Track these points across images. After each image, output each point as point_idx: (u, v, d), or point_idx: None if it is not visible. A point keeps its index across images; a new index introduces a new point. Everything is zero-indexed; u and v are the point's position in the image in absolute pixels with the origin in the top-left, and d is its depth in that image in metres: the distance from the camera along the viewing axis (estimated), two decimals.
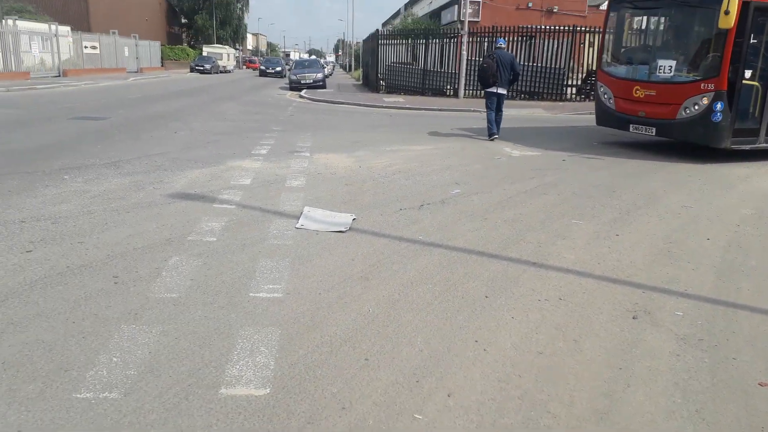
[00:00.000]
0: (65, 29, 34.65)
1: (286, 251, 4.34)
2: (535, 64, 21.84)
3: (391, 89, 24.96)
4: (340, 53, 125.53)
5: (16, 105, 14.82)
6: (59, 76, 29.87)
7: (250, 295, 3.53)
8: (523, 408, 2.50)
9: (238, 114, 14.96)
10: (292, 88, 28.53)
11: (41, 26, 32.30)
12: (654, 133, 9.27)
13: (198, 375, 2.62)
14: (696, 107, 8.56)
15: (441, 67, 24.27)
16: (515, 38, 22.50)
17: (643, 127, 9.34)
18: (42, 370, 2.60)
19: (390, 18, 66.36)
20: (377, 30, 27.11)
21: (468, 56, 22.58)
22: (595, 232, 5.19)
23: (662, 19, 9.76)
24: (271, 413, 2.37)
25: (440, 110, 18.15)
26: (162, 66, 51.04)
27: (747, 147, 8.82)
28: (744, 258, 4.61)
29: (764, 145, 8.94)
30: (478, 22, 35.53)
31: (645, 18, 10.09)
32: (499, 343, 3.07)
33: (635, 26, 10.27)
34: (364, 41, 36.26)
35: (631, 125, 9.58)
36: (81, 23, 42.86)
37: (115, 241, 4.38)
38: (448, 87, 23.39)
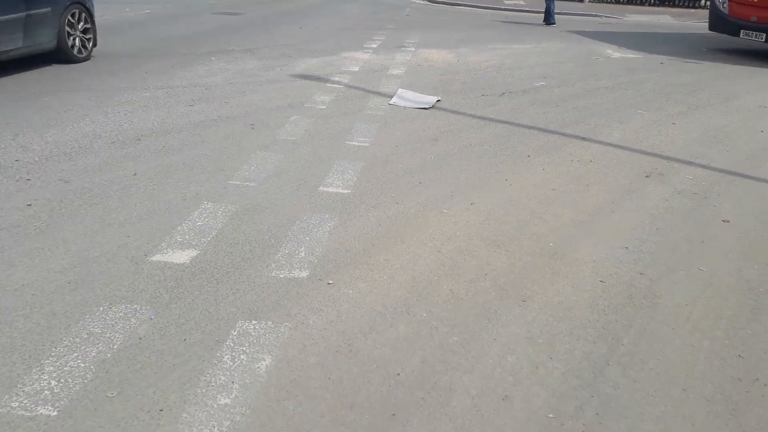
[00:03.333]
0: None
1: (377, 119, 5.46)
2: None
3: None
4: None
5: (168, 1, 16.75)
6: None
7: (346, 142, 4.72)
8: (522, 214, 3.52)
9: (358, 13, 15.88)
10: None
11: None
12: (764, 39, 9.06)
13: (305, 180, 3.88)
14: None
15: None
16: None
17: (754, 32, 9.14)
18: (206, 170, 3.98)
19: None
20: None
21: None
22: (654, 120, 5.79)
23: None
24: (350, 202, 3.58)
25: (559, 13, 17.83)
26: None
27: None
28: (763, 141, 5.09)
29: None
30: None
31: None
32: (523, 181, 4.05)
33: None
34: None
35: (741, 31, 9.38)
36: None
37: (250, 103, 5.74)
38: None
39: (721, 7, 9.86)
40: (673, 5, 19.71)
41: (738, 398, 2.09)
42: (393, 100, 6.12)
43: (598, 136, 5.15)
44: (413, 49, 9.53)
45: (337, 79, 7.03)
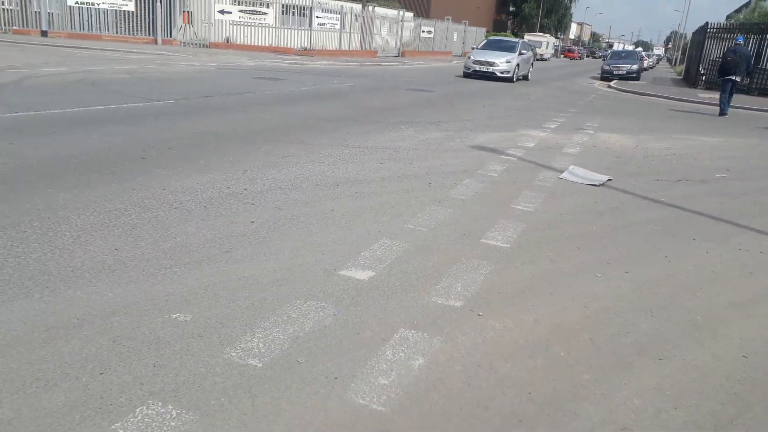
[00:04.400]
0: (409, 15, 40.38)
1: (545, 189, 5.82)
2: None
3: (712, 85, 23.30)
4: (669, 46, 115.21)
5: (368, 76, 18.84)
6: (398, 55, 35.17)
7: (511, 206, 5.14)
8: (676, 289, 3.62)
9: (541, 96, 16.45)
10: (602, 78, 28.66)
11: (391, 12, 38.33)
12: None
13: (469, 232, 4.36)
14: None
15: None
16: None
17: None
18: (388, 214, 4.65)
19: (738, 9, 58.93)
20: (706, 23, 25.33)
21: None
22: None
23: None
24: (507, 255, 3.97)
25: (760, 110, 16.75)
26: None
27: None
28: None
29: None
30: None
31: None
32: (683, 261, 4.12)
33: None
34: (693, 34, 33.74)
35: None
36: (422, 10, 48.99)
37: (431, 166, 6.44)
38: None
39: None
40: None
41: None
42: (563, 175, 6.44)
43: None
44: (592, 132, 9.75)
45: (512, 152, 7.53)
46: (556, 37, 73.77)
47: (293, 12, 29.55)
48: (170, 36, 26.32)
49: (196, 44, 26.19)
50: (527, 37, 59.24)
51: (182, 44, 26.07)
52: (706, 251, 4.38)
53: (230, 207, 4.47)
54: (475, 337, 2.87)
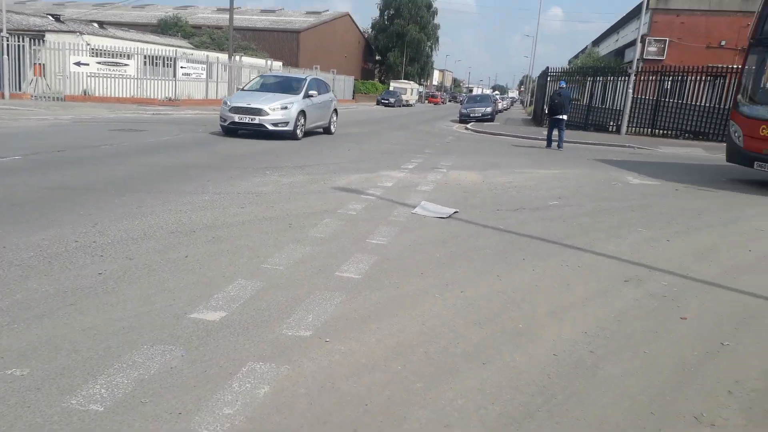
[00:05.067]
0: (278, 64, 40.94)
1: (398, 224, 6.24)
2: (702, 104, 21.52)
3: None
4: (522, 89, 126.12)
5: None
6: None
7: (367, 241, 5.48)
8: (504, 303, 4.09)
9: (404, 140, 17.39)
10: (461, 121, 30.77)
11: (260, 61, 38.66)
12: None
13: (325, 267, 4.60)
14: None
15: (604, 104, 24.77)
16: (699, 78, 22.25)
17: (766, 164, 9.74)
18: (245, 256, 4.77)
19: (577, 54, 66.14)
20: (547, 68, 28.33)
21: (635, 94, 22.91)
22: (651, 237, 6.33)
23: None
24: (358, 285, 4.25)
25: (594, 144, 18.91)
26: (353, 98, 56.72)
27: None
28: (765, 263, 5.51)
29: None
30: (662, 60, 34.93)
31: None
32: (512, 279, 4.64)
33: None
34: (538, 77, 37.41)
35: (755, 162, 10.01)
36: (291, 59, 49.87)
37: (292, 208, 6.66)
38: (611, 123, 23.83)
39: (736, 140, 10.59)
40: (706, 139, 20.53)
41: None
42: (415, 210, 6.93)
43: (594, 248, 5.72)
44: (445, 171, 10.53)
45: (371, 192, 7.96)
46: (420, 84, 78.03)
47: (157, 63, 28.88)
48: (19, 90, 24.58)
49: (49, 98, 24.63)
50: (393, 84, 62.21)
51: (34, 98, 24.40)
52: (533, 268, 4.96)
53: (77, 260, 4.36)
54: (320, 361, 3.08)
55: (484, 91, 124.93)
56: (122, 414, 2.47)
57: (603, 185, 9.88)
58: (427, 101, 75.35)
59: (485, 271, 4.80)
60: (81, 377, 2.73)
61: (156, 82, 28.43)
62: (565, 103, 16.31)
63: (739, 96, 10.98)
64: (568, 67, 34.53)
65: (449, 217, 6.72)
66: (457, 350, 3.32)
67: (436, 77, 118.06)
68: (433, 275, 4.61)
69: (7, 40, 23.49)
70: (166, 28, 48.55)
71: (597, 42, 59.60)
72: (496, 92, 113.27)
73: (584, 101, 25.58)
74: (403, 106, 55.25)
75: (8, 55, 23.57)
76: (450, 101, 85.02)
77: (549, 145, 16.85)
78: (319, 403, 2.69)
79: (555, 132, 16.74)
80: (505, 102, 65.84)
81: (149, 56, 28.41)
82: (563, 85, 18.28)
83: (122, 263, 4.37)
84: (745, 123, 10.46)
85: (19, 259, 4.29)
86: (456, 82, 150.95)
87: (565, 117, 16.41)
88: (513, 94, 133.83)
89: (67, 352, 2.94)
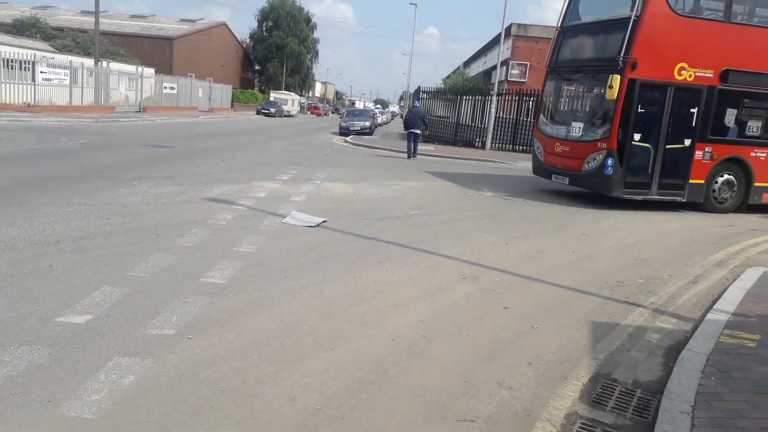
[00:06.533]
0: (150, 71, 39.35)
1: (267, 233, 6.64)
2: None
3: (427, 139, 27.44)
4: (402, 104, 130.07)
5: (103, 133, 18.10)
6: (140, 111, 33.92)
7: (234, 248, 5.82)
8: (356, 300, 4.65)
9: (281, 151, 17.68)
10: (341, 134, 31.44)
11: (129, 68, 36.99)
12: (567, 182, 11.39)
13: (190, 273, 4.89)
14: (594, 162, 10.53)
15: (472, 122, 26.68)
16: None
17: (561, 176, 11.45)
18: (111, 264, 4.94)
19: (451, 73, 69.72)
20: (419, 87, 29.96)
21: (497, 113, 24.91)
22: (494, 241, 7.25)
23: (579, 88, 11.93)
24: (223, 289, 4.60)
25: (462, 158, 20.37)
26: (232, 107, 55.65)
27: (639, 198, 10.62)
28: (583, 262, 6.58)
29: (655, 197, 10.67)
30: (524, 82, 38.12)
31: (568, 86, 12.20)
32: (367, 278, 5.22)
33: (562, 92, 12.37)
34: (412, 95, 39.17)
35: (552, 175, 11.71)
36: (164, 66, 48.00)
37: (160, 218, 6.82)
38: (477, 139, 25.68)
39: (539, 156, 12.26)
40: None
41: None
42: (285, 219, 7.36)
43: (442, 251, 6.48)
44: (319, 182, 11.04)
45: (243, 202, 8.26)
46: (301, 95, 78.20)
47: (12, 66, 26.75)
48: None
49: None
50: (273, 94, 61.80)
51: None
52: (386, 270, 5.58)
53: None
54: (182, 355, 3.43)
55: (366, 104, 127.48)
56: None
57: (460, 196, 10.89)
58: (309, 112, 75.65)
59: (344, 273, 5.35)
60: None
61: (12, 85, 26.33)
62: (417, 120, 18.75)
63: (540, 116, 12.72)
64: (439, 86, 36.63)
65: (318, 226, 7.22)
66: (308, 340, 3.81)
67: (319, 89, 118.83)
68: (296, 278, 5.08)
69: None
70: (23, 28, 44.81)
71: (468, 63, 63.52)
72: (378, 106, 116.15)
73: (453, 119, 27.32)
74: (285, 116, 55.10)
75: None
76: (332, 113, 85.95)
77: (409, 156, 18.89)
78: (179, 387, 3.05)
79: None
80: (385, 116, 67.77)
81: (4, 59, 26.28)
82: (417, 104, 22.43)
83: None
84: (544, 140, 12.21)
85: None
86: (338, 95, 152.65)
87: (418, 131, 18.82)
88: (394, 108, 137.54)
89: None
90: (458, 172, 15.46)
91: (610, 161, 10.28)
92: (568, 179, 11.24)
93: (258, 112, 52.75)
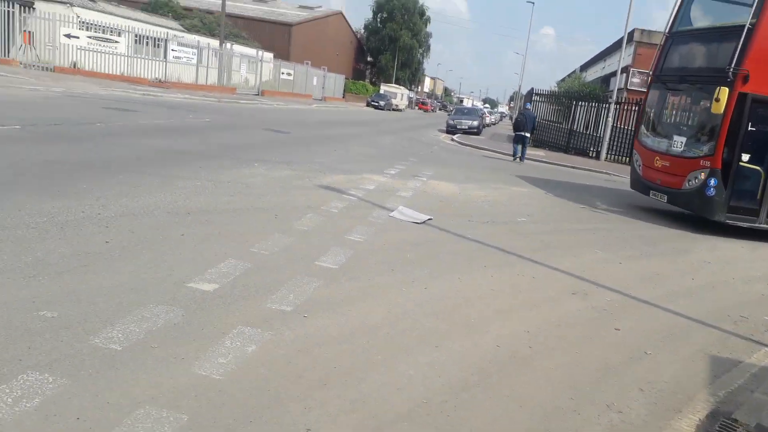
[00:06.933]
0: (269, 56, 41.23)
1: (376, 225, 6.82)
2: None
3: (538, 144, 26.82)
4: (512, 105, 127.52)
5: (225, 113, 19.26)
6: (258, 94, 35.69)
7: (345, 237, 6.04)
8: (459, 301, 4.69)
9: (389, 145, 17.99)
10: (447, 132, 31.44)
11: (250, 51, 38.92)
12: (666, 200, 10.55)
13: (306, 256, 5.15)
14: (696, 180, 9.68)
15: (586, 130, 25.69)
16: None
17: (659, 193, 10.67)
18: (235, 240, 5.29)
19: (566, 76, 67.50)
20: (532, 89, 29.23)
21: (614, 123, 23.83)
22: (605, 258, 7.01)
23: (684, 99, 10.89)
24: (335, 274, 4.81)
25: (573, 167, 19.71)
26: (343, 97, 57.17)
27: (744, 225, 9.59)
28: (703, 291, 6.21)
29: (764, 226, 9.57)
30: (644, 91, 36.20)
31: (673, 96, 11.22)
32: (471, 281, 5.25)
33: (667, 103, 11.37)
34: (524, 97, 38.32)
35: (650, 191, 10.94)
36: (282, 52, 50.04)
37: (279, 201, 7.20)
38: (591, 148, 24.68)
39: (637, 169, 11.49)
40: None
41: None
42: (393, 213, 7.52)
43: (549, 262, 6.36)
44: (425, 179, 11.15)
45: (353, 192, 8.53)
46: (411, 89, 78.78)
47: (147, 42, 29.07)
48: (8, 56, 24.62)
49: (38, 67, 24.73)
50: (384, 87, 62.72)
51: (23, 66, 24.48)
52: (491, 275, 5.57)
53: (85, 229, 4.86)
54: (298, 331, 3.64)
55: (475, 102, 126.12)
56: (137, 354, 3.01)
57: (570, 207, 10.58)
58: (417, 107, 76.11)
59: (449, 273, 5.41)
60: (100, 323, 3.26)
61: (146, 61, 28.63)
62: (528, 123, 18.50)
63: (642, 127, 11.90)
64: (553, 89, 35.53)
65: (424, 223, 7.31)
66: (414, 334, 3.91)
67: (427, 84, 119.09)
68: (402, 272, 5.20)
69: None
70: (157, 7, 48.39)
71: (585, 67, 61.08)
72: (486, 105, 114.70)
73: (566, 125, 26.44)
74: (393, 110, 55.82)
75: None
76: (440, 110, 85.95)
77: (515, 158, 18.87)
78: (295, 362, 3.25)
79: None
80: (493, 116, 66.83)
81: (140, 35, 28.58)
82: (528, 106, 21.69)
83: (126, 235, 4.88)
84: (644, 153, 11.41)
85: (35, 222, 4.78)
86: (447, 91, 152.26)
87: (528, 135, 18.74)
88: (503, 109, 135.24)
89: (87, 303, 3.46)
90: (568, 181, 15.00)
91: (712, 181, 9.48)
92: (666, 197, 10.49)
93: (368, 104, 53.78)
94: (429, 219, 7.53)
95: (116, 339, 3.11)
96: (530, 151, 22.20)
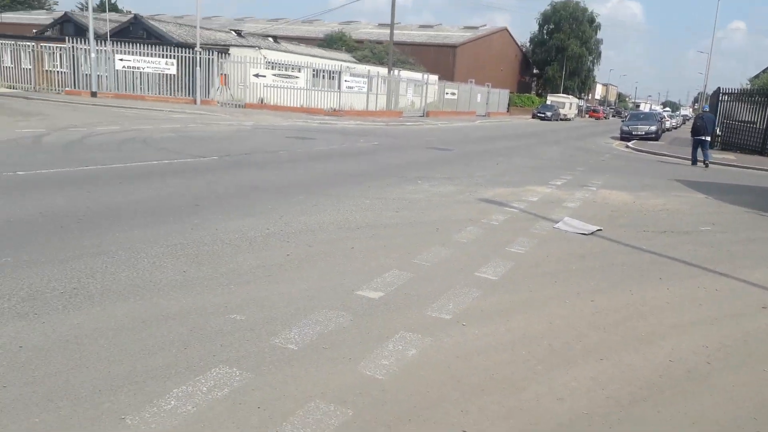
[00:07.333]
0: (434, 78, 42.32)
1: (538, 236, 6.70)
2: None
3: (727, 146, 24.14)
4: (696, 106, 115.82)
5: (392, 135, 20.17)
6: (423, 116, 36.77)
7: (505, 249, 6.04)
8: (629, 314, 4.45)
9: (555, 155, 17.45)
10: (622, 138, 29.57)
11: (416, 75, 40.30)
12: None
13: (466, 267, 5.25)
14: None
15: None
16: None
17: None
18: (399, 251, 5.57)
19: (761, 72, 59.81)
20: (718, 87, 26.37)
21: None
22: None
23: None
24: (495, 285, 4.84)
25: (766, 170, 17.43)
26: (507, 111, 56.52)
27: None
28: None
29: None
30: None
31: None
32: (643, 295, 4.93)
33: None
34: (710, 97, 34.67)
35: None
36: (447, 72, 51.06)
37: (441, 215, 7.41)
38: None
39: None
40: None
41: None
42: (557, 225, 7.32)
43: (737, 274, 5.73)
44: (594, 189, 10.65)
45: (515, 205, 8.46)
46: (580, 98, 75.36)
47: (323, 75, 31.53)
48: (208, 96, 28.31)
49: (232, 104, 28.11)
50: (550, 98, 60.90)
51: (219, 104, 28.01)
52: (668, 288, 5.19)
53: (270, 244, 5.48)
54: (457, 339, 3.75)
55: (653, 107, 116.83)
56: (310, 353, 3.35)
57: (763, 215, 9.38)
58: (587, 116, 72.60)
59: (618, 286, 5.14)
60: (280, 326, 3.67)
61: (322, 93, 31.03)
62: (708, 126, 17.72)
63: None
64: (745, 86, 31.63)
65: (592, 234, 7.02)
66: (577, 346, 3.81)
67: (599, 91, 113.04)
68: (566, 284, 5.07)
69: (200, 54, 27.23)
70: (332, 42, 52.31)
71: None
72: (667, 109, 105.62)
73: (762, 124, 23.38)
74: (561, 120, 53.91)
75: (200, 66, 27.29)
76: (613, 116, 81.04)
77: (694, 163, 18.00)
78: (455, 367, 3.36)
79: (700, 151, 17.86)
80: (675, 120, 61.30)
81: (317, 69, 31.09)
82: (707, 109, 21.08)
83: (304, 249, 5.40)
84: None
85: (229, 239, 5.50)
86: (621, 97, 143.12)
87: (707, 138, 17.79)
88: (686, 111, 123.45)
89: (269, 308, 3.92)
90: (763, 186, 13.27)
91: None
92: None
93: (533, 116, 52.60)
94: (598, 230, 7.21)
95: (293, 340, 3.49)
96: (718, 155, 20.12)
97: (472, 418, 2.87)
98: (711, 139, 18.63)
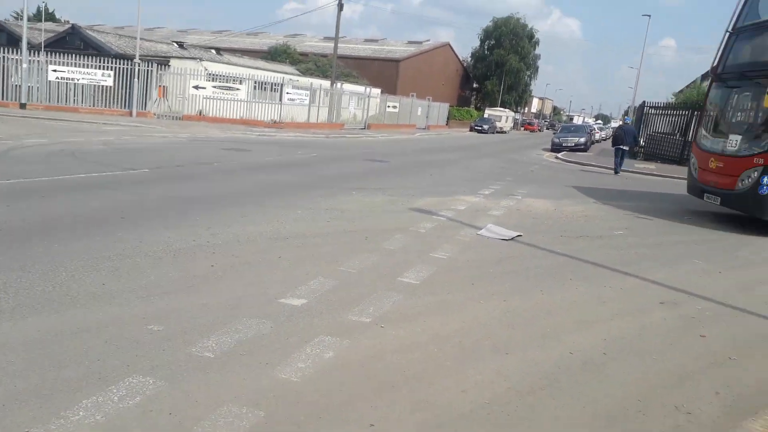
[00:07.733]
0: (376, 91, 42.80)
1: (462, 243, 6.99)
2: None
3: (649, 157, 25.53)
4: (626, 119, 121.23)
5: (331, 147, 20.31)
6: (364, 128, 37.04)
7: (430, 254, 6.27)
8: (539, 313, 4.74)
9: (487, 167, 18.02)
10: (552, 150, 30.76)
11: (359, 88, 40.66)
12: (719, 203, 9.90)
13: (390, 273, 5.44)
14: (749, 180, 9.06)
15: None
16: None
17: (712, 196, 10.00)
18: (326, 260, 5.71)
19: (684, 87, 63.54)
20: (643, 101, 27.96)
21: None
22: (704, 269, 6.70)
23: (742, 97, 10.27)
24: (416, 289, 5.05)
25: (682, 178, 18.56)
26: (447, 125, 57.69)
27: None
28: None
29: None
30: None
31: (733, 95, 10.59)
32: (554, 295, 5.26)
33: (727, 102, 10.71)
34: (636, 110, 36.60)
35: (704, 194, 10.28)
36: (390, 86, 51.68)
37: (370, 224, 7.60)
38: None
39: (693, 172, 10.81)
40: None
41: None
42: (481, 231, 7.64)
43: (642, 274, 6.18)
44: (519, 198, 11.12)
45: (443, 213, 8.75)
46: (516, 111, 77.71)
47: (265, 87, 31.38)
48: (145, 108, 27.65)
49: (169, 116, 27.54)
50: (488, 111, 62.47)
51: (156, 116, 27.38)
52: (576, 288, 5.54)
53: (194, 255, 5.50)
54: (374, 340, 3.92)
55: (586, 119, 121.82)
56: (227, 360, 3.43)
57: (675, 219, 10.07)
58: (523, 128, 74.93)
59: (531, 287, 5.46)
60: (198, 335, 3.74)
61: (263, 105, 30.84)
62: (627, 136, 19.07)
63: (701, 129, 11.23)
64: (670, 100, 33.57)
65: (512, 239, 7.37)
66: (486, 343, 4.05)
67: (536, 105, 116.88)
68: (482, 287, 5.33)
69: (139, 66, 26.65)
70: (276, 54, 52.07)
71: (707, 75, 57.03)
72: (599, 121, 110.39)
73: (680, 137, 24.94)
74: (497, 132, 55.39)
75: (138, 78, 26.68)
76: (548, 129, 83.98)
77: (617, 171, 19.12)
78: (368, 366, 3.53)
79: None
80: (605, 132, 64.21)
81: (259, 81, 30.94)
82: (629, 121, 23.48)
83: (229, 259, 5.45)
84: (700, 156, 10.71)
85: (152, 251, 5.49)
86: (556, 110, 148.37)
87: (626, 148, 19.13)
88: (616, 123, 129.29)
89: (188, 319, 3.98)
90: (678, 193, 14.17)
91: (766, 179, 8.85)
92: (719, 199, 9.91)
93: (471, 129, 53.87)
94: (518, 235, 7.57)
95: (210, 348, 3.56)
96: (640, 165, 21.31)
97: (381, 413, 3.03)
98: (632, 149, 19.93)
